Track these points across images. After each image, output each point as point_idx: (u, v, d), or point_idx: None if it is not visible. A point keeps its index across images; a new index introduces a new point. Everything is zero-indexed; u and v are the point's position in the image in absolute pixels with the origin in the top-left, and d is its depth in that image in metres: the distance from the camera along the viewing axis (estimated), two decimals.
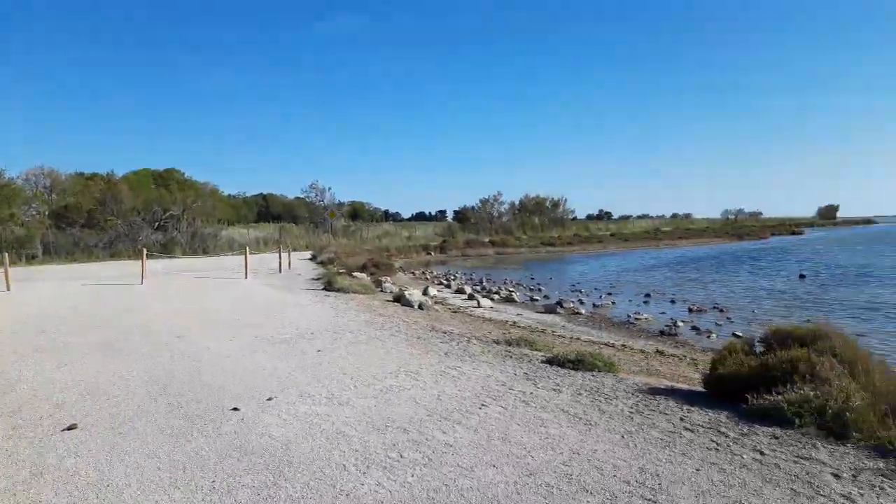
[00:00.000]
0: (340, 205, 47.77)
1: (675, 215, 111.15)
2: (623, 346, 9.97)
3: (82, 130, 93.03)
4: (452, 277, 25.16)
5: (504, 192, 64.83)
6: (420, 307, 13.83)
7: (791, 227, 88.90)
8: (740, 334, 11.67)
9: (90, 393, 5.95)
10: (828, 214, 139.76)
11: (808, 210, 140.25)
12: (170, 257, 31.08)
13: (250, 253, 35.79)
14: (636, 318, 13.73)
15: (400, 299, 14.87)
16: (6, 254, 15.89)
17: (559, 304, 15.61)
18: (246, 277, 19.41)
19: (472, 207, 64.95)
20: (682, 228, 77.08)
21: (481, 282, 23.06)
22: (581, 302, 16.75)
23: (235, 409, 5.32)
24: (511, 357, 7.69)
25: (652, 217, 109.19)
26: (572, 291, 19.99)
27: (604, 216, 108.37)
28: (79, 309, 12.40)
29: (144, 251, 17.97)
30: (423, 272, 28.67)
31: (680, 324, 12.59)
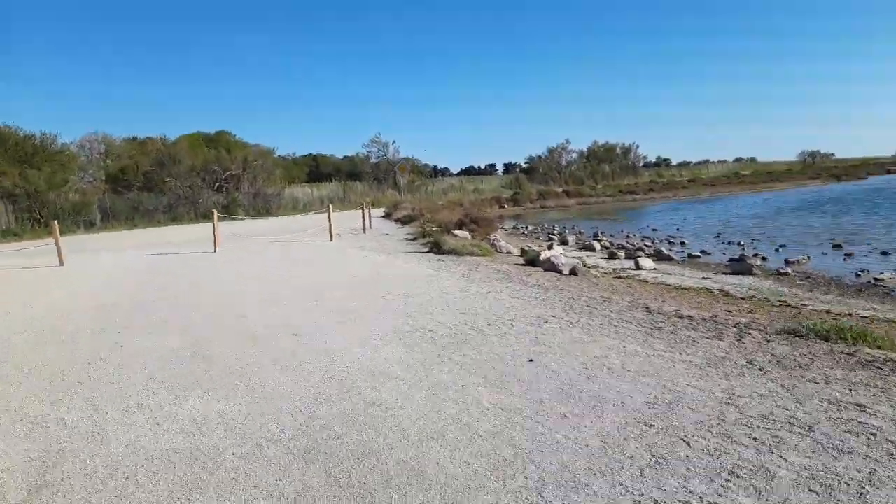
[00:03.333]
0: (406, 159, 44.43)
1: (738, 159, 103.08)
2: None
3: (128, 97, 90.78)
4: (556, 231, 21.76)
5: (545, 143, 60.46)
6: (573, 272, 10.56)
7: (886, 166, 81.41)
8: None
9: (191, 485, 2.97)
10: None
11: (883, 149, 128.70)
12: (233, 219, 28.58)
13: (317, 213, 33.17)
14: (877, 279, 10.13)
15: (535, 262, 11.69)
16: (55, 222, 13.21)
17: (741, 259, 12.09)
18: (331, 240, 16.50)
19: (539, 156, 60.78)
20: (763, 172, 71.01)
21: (596, 235, 19.59)
22: (763, 258, 13.15)
23: None
24: (886, 371, 4.38)
25: (713, 162, 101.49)
26: (724, 244, 16.38)
27: (662, 163, 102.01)
28: (149, 290, 9.59)
29: (215, 213, 15.15)
30: (516, 226, 25.35)
31: None
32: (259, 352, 5.62)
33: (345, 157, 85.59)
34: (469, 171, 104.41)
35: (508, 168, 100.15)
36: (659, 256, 13.87)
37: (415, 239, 16.64)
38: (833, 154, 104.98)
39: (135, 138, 42.33)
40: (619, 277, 10.73)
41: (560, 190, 48.03)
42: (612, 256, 14.14)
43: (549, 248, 14.73)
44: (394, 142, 45.22)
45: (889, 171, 71.67)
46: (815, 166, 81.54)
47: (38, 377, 5.16)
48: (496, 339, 5.70)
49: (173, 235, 21.03)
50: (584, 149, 64.80)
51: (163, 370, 5.19)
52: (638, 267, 12.04)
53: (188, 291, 9.28)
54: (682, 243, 16.82)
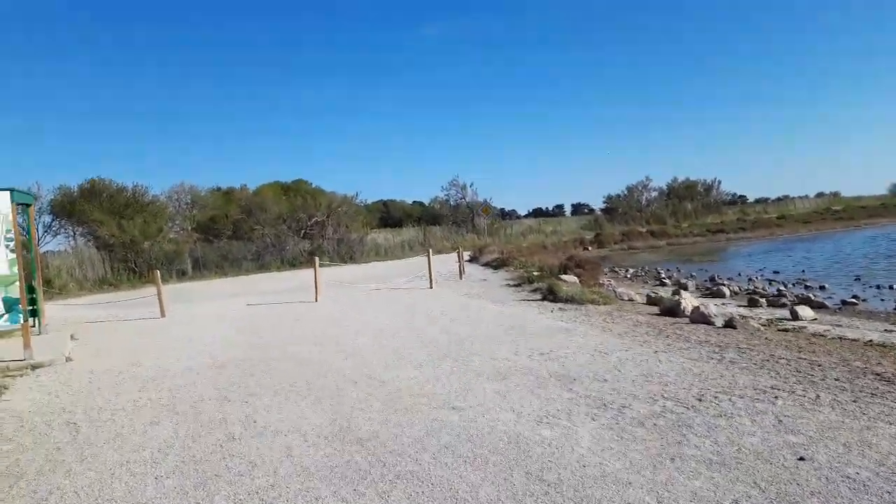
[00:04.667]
0: (486, 202, 43.61)
1: (820, 194, 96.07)
2: None
3: (200, 149, 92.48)
4: (664, 275, 20.15)
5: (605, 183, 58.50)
6: (729, 325, 9.11)
7: None
8: None
9: None
10: None
11: None
12: (319, 265, 28.28)
13: (397, 258, 32.55)
14: None
15: (675, 312, 10.35)
16: (157, 272, 12.80)
17: None
18: (432, 287, 15.57)
19: (618, 196, 58.88)
20: (856, 207, 66.37)
21: (713, 279, 17.89)
22: None
23: None
24: None
25: (795, 198, 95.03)
26: (872, 287, 14.49)
27: (737, 200, 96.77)
28: (262, 346, 8.77)
29: (317, 260, 14.44)
30: (613, 269, 23.83)
31: None
32: (420, 432, 4.57)
33: (414, 201, 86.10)
34: (537, 213, 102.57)
35: (577, 209, 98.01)
36: (809, 304, 12.17)
37: (519, 285, 15.50)
38: None
39: (218, 188, 43.43)
40: (786, 331, 9.19)
41: (644, 230, 45.99)
42: (754, 304, 12.52)
43: (675, 294, 13.31)
44: (472, 184, 44.54)
45: None
46: None
47: (166, 465, 4.24)
48: (723, 421, 4.44)
49: (267, 284, 20.61)
50: (664, 186, 62.64)
51: (314, 458, 4.18)
52: (796, 317, 10.44)
53: (305, 348, 8.39)
54: (822, 287, 14.96)
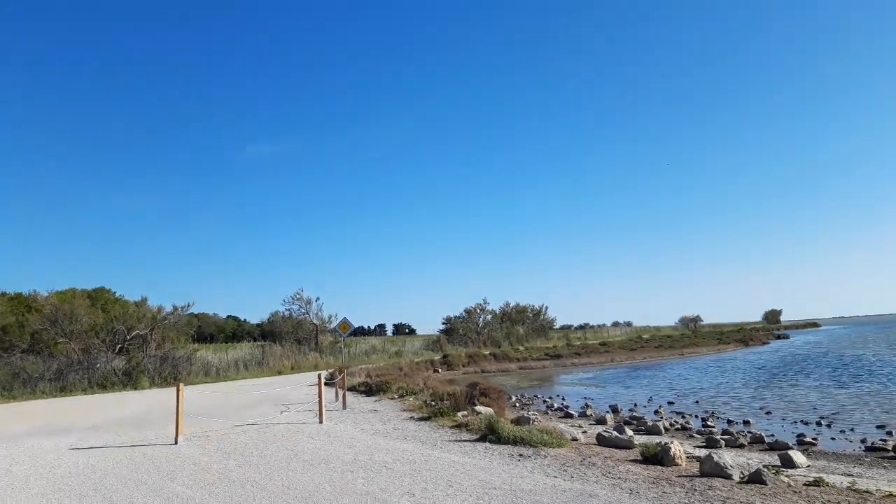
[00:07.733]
0: (344, 318, 40.37)
1: (616, 323, 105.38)
2: None
3: None
4: (556, 405, 18.69)
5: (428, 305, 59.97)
6: (755, 479, 7.49)
7: (772, 331, 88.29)
8: None
9: None
10: (772, 318, 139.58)
11: (740, 315, 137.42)
12: (134, 389, 23.15)
13: (231, 379, 28.14)
14: None
15: (662, 460, 8.64)
16: None
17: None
18: (321, 421, 12.54)
19: (458, 317, 58.74)
20: (662, 336, 73.44)
21: (615, 409, 16.71)
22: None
23: None
24: None
25: (597, 327, 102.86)
26: (792, 422, 14.01)
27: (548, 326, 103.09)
28: None
29: (181, 386, 10.65)
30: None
31: None
32: None
33: (229, 316, 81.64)
34: (360, 332, 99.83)
35: (398, 328, 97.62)
36: (769, 444, 11.09)
37: (428, 418, 12.97)
38: (701, 319, 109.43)
39: (3, 293, 35.86)
40: (814, 485, 7.74)
41: (487, 352, 45.56)
42: (712, 444, 11.18)
43: (618, 429, 11.67)
44: (317, 298, 41.40)
45: (779, 337, 77.32)
46: (700, 332, 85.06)
47: None
48: None
49: (80, 412, 15.80)
50: (497, 309, 63.88)
51: None
52: (791, 464, 9.15)
53: None
54: (747, 423, 14.22)
